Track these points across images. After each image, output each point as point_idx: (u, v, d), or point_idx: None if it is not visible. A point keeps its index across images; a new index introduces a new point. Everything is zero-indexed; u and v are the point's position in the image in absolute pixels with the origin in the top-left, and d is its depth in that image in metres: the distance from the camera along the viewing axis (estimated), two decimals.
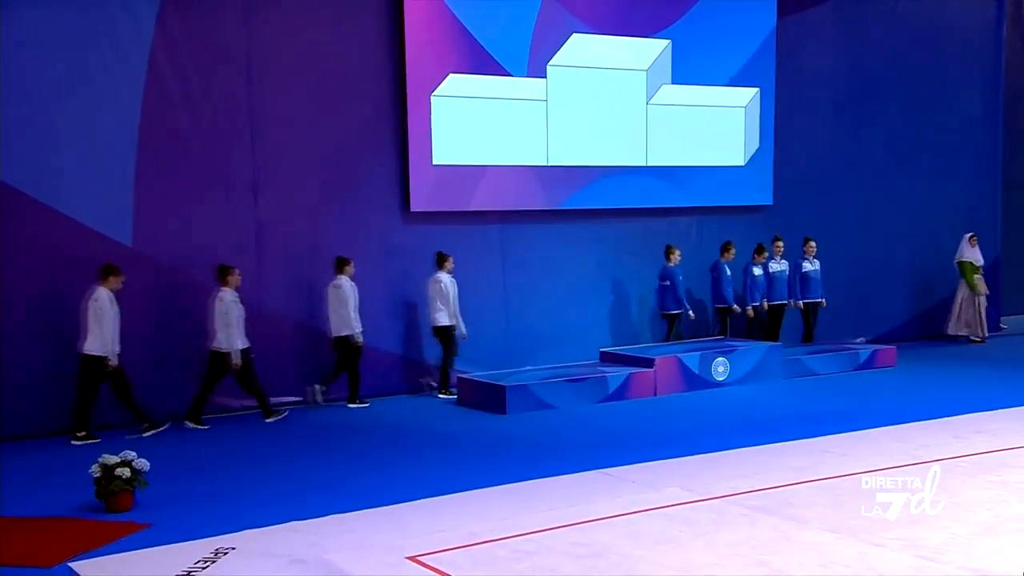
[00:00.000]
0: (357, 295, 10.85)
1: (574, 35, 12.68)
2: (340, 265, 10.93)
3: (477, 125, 12.15)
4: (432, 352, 11.86)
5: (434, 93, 11.83)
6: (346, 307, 10.76)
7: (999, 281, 16.17)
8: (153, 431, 9.72)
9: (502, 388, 10.62)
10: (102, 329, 9.40)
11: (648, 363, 11.51)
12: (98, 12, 10.03)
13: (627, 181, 13.24)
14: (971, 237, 15.23)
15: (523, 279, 12.59)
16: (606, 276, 13.30)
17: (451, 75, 11.92)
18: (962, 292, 15.30)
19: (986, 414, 9.81)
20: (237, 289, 10.18)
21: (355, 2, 11.46)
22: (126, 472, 7.03)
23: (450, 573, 5.69)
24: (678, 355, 11.71)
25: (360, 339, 10.86)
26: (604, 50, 12.94)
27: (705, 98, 13.73)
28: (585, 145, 12.91)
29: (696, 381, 11.64)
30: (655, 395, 11.37)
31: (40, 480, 8.23)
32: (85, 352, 9.46)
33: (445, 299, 11.38)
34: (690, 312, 13.10)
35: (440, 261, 11.47)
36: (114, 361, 9.49)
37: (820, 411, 10.36)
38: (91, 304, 9.46)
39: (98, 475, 7.04)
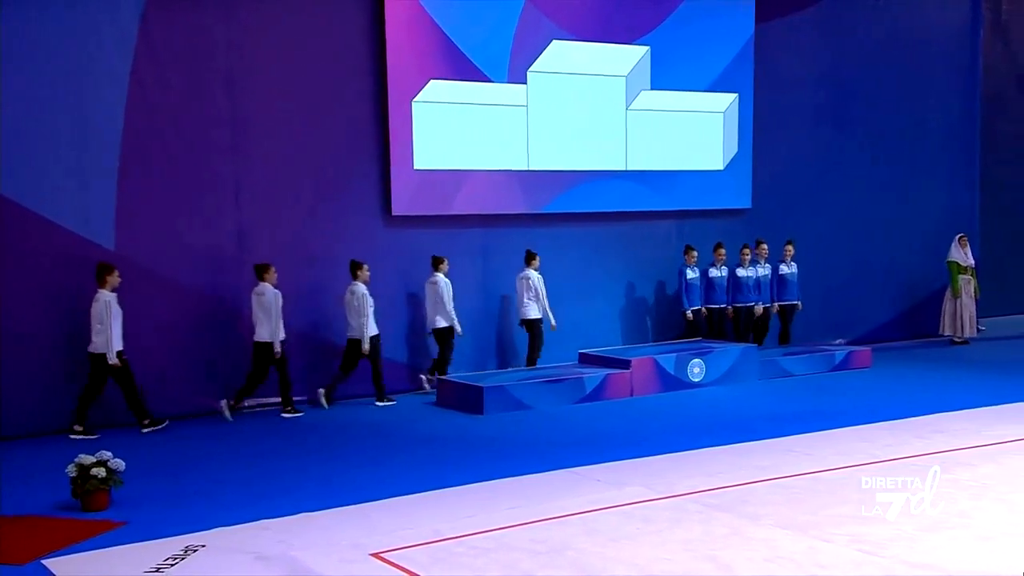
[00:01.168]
0: (452, 290, 11.74)
1: (554, 42, 12.85)
2: (436, 263, 11.82)
3: (458, 130, 12.31)
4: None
5: (415, 99, 12.00)
6: (443, 301, 11.67)
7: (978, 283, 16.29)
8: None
9: (480, 389, 10.78)
10: (269, 319, 10.55)
11: (625, 364, 11.67)
12: (82, 19, 10.16)
13: (607, 185, 13.41)
14: (961, 238, 15.38)
15: (505, 282, 12.70)
16: (587, 279, 13.44)
17: (432, 81, 12.09)
18: (948, 293, 15.48)
19: (950, 414, 9.98)
20: (367, 283, 11.15)
21: (336, 9, 11.62)
22: (101, 472, 7.19)
23: (409, 569, 5.85)
24: (654, 356, 11.88)
25: (459, 329, 11.85)
26: (584, 56, 13.11)
27: (684, 103, 13.90)
28: (565, 150, 13.07)
29: (672, 382, 11.80)
30: (631, 396, 11.52)
31: (22, 480, 8.35)
32: (256, 340, 10.62)
33: (535, 294, 12.23)
34: (688, 312, 13.38)
35: (528, 259, 12.40)
36: (278, 349, 10.60)
37: (791, 411, 10.52)
38: (257, 298, 10.66)
39: (74, 475, 7.20)
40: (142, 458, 8.66)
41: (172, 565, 6.07)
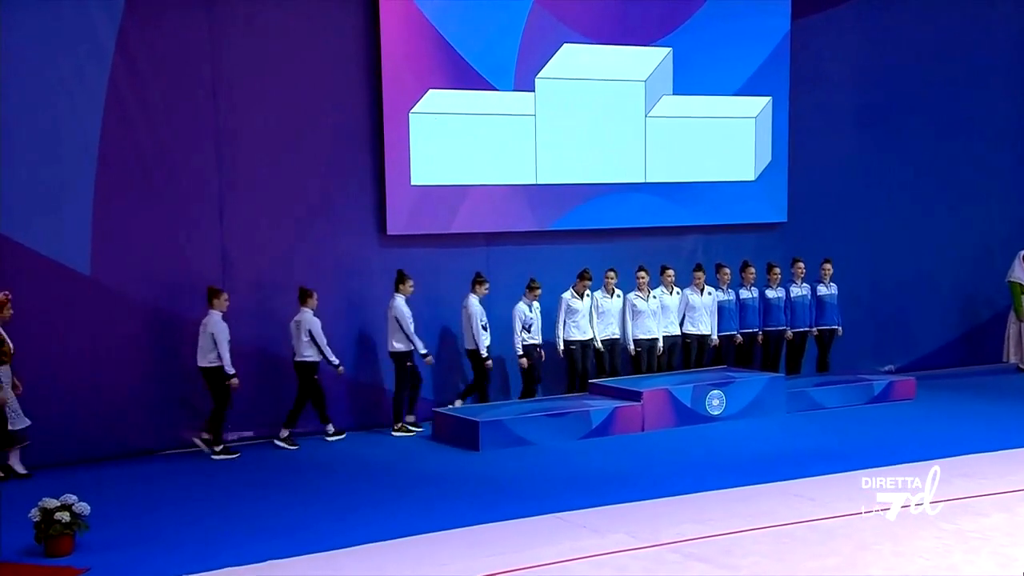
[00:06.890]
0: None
1: (565, 45, 13.43)
2: (473, 284, 12.62)
3: (459, 143, 12.95)
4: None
5: (412, 110, 12.64)
6: (474, 324, 12.47)
7: None
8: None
9: (475, 424, 11.37)
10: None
11: (636, 396, 12.19)
12: (56, 34, 10.85)
13: (624, 199, 13.96)
14: None
15: (511, 304, 13.17)
16: None
17: (431, 91, 12.72)
18: (1012, 315, 15.79)
19: (980, 456, 10.38)
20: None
21: (328, 15, 12.27)
22: (65, 516, 7.88)
23: None
24: (668, 387, 12.38)
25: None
26: (598, 60, 13.67)
27: (710, 109, 14.41)
28: (577, 162, 13.66)
29: (688, 415, 12.27)
30: (643, 430, 12.04)
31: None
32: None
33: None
34: (714, 338, 13.89)
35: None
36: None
37: (811, 450, 10.98)
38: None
39: (37, 519, 7.89)
40: (113, 497, 9.38)
41: None
